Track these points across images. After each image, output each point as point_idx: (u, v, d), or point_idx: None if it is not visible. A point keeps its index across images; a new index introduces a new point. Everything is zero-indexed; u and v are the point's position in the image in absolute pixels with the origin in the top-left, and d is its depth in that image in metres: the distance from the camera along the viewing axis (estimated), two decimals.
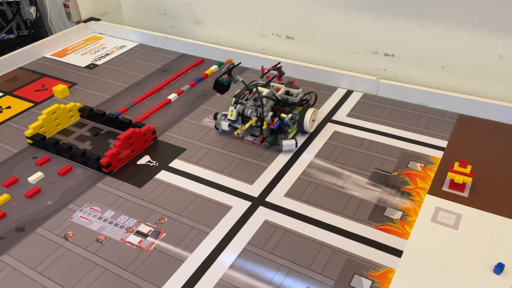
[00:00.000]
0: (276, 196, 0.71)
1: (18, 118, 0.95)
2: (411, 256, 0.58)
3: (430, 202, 0.68)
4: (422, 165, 0.76)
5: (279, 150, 0.81)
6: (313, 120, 0.86)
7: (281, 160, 0.79)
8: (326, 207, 0.68)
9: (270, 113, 0.83)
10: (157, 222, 0.67)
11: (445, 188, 0.71)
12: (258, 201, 0.70)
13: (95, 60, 1.19)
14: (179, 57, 1.19)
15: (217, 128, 0.87)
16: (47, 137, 0.85)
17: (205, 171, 0.78)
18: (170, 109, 0.97)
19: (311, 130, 0.86)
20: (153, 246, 0.63)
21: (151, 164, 0.80)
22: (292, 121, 0.84)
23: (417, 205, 0.68)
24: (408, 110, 0.92)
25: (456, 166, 0.71)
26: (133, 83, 1.07)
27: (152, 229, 0.66)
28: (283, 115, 0.83)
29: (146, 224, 0.67)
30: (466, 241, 0.61)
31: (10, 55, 1.17)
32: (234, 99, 0.88)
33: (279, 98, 0.86)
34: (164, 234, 0.65)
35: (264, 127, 0.81)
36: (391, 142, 0.83)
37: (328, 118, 0.91)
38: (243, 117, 0.85)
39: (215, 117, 0.88)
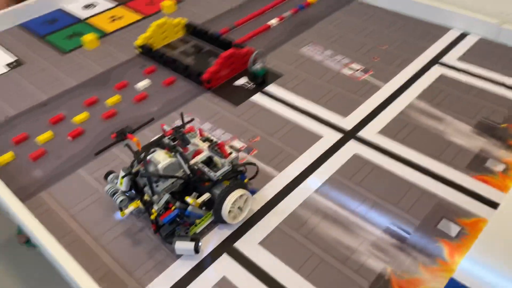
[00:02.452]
0: (369, 132, 0.70)
1: (129, 28, 1.02)
2: (508, 209, 0.55)
3: None
4: None
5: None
6: (239, 209, 0.56)
7: (379, 96, 0.77)
8: (422, 150, 0.66)
9: (166, 196, 0.54)
10: (250, 140, 0.70)
11: None
12: (350, 135, 0.70)
13: None
14: None
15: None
16: (154, 49, 0.90)
17: (299, 99, 0.78)
18: (270, 34, 0.96)
19: (235, 222, 0.57)
20: (244, 161, 0.67)
21: (248, 86, 0.82)
22: (204, 207, 0.55)
23: None
24: None
25: None
26: (237, 4, 1.08)
27: (245, 145, 0.69)
28: (188, 198, 0.54)
29: (239, 140, 0.70)
30: None
31: None
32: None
33: (189, 170, 0.55)
34: (256, 151, 0.68)
35: (152, 217, 0.53)
36: (504, 93, 0.76)
37: (436, 60, 0.85)
38: (136, 188, 0.57)
39: (105, 177, 0.61)
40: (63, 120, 0.76)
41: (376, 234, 0.55)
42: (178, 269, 0.53)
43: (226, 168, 0.56)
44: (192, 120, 0.65)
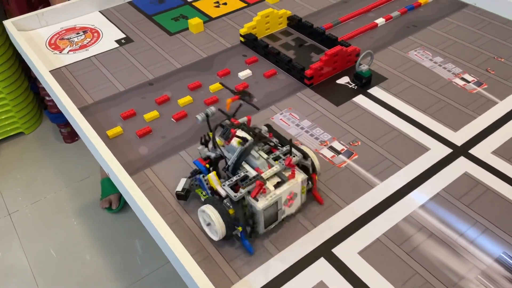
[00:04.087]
0: (482, 151, 0.65)
1: (232, 15, 1.03)
2: None
3: None
4: None
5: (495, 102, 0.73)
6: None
7: (494, 113, 0.72)
8: None
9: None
10: (351, 143, 0.69)
11: None
12: (460, 151, 0.66)
13: None
14: None
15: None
16: (257, 38, 0.91)
17: (405, 106, 0.74)
18: (376, 34, 0.93)
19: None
20: (344, 165, 0.65)
21: (350, 86, 0.80)
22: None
23: None
24: None
25: None
26: (341, 0, 1.05)
27: (345, 149, 0.68)
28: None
29: (340, 142, 0.69)
30: None
31: None
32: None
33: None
34: (356, 156, 0.66)
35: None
36: None
37: None
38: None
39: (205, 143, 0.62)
40: (168, 101, 0.79)
41: (487, 262, 0.52)
42: (274, 266, 0.53)
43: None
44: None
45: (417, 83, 0.79)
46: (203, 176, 0.58)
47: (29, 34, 1.00)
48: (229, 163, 0.56)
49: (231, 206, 0.53)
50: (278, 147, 0.59)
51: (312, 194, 0.60)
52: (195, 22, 0.96)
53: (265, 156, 0.57)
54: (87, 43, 0.95)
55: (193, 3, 1.08)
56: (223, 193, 0.54)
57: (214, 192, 0.56)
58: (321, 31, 0.90)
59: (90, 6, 1.05)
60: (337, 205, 0.59)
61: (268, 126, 0.62)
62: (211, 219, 0.53)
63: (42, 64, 0.85)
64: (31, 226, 1.46)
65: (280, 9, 1.03)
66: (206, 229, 0.56)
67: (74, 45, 0.95)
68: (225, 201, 0.54)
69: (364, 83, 0.79)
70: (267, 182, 0.54)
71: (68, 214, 1.49)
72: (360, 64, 0.78)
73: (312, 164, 0.58)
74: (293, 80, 0.82)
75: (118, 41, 0.96)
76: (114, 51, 0.93)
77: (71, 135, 1.67)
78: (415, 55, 0.86)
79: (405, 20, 0.96)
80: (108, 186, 1.51)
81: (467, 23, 0.94)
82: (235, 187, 0.54)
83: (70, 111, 0.74)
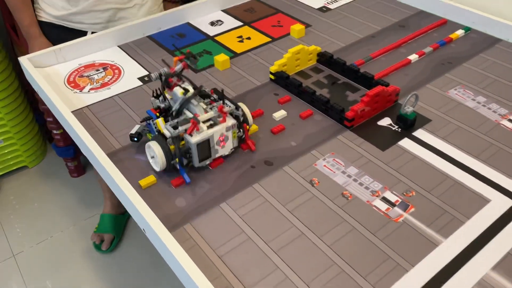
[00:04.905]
0: None
1: (257, 51, 0.99)
2: None
3: None
4: None
5: None
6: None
7: None
8: None
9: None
10: (404, 193, 0.64)
11: None
12: None
13: (327, 3, 1.16)
14: (418, 13, 1.09)
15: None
16: (288, 76, 0.87)
17: (455, 151, 0.70)
18: (410, 71, 0.90)
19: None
20: (401, 218, 0.60)
21: (393, 128, 0.76)
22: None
23: None
24: None
25: None
26: (368, 34, 1.02)
27: (400, 200, 0.63)
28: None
29: (392, 192, 0.64)
30: None
31: None
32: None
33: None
34: (413, 209, 0.62)
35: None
36: None
37: None
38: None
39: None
40: None
41: None
42: None
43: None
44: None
45: (463, 125, 0.75)
46: (152, 121, 0.71)
47: (46, 71, 0.95)
48: (173, 109, 0.69)
49: (172, 143, 0.66)
50: (216, 101, 0.71)
51: (245, 143, 0.72)
52: (221, 58, 0.93)
53: (204, 106, 0.69)
54: (109, 80, 0.91)
55: (216, 38, 1.04)
56: (167, 133, 0.66)
57: (161, 134, 0.68)
58: (356, 69, 0.86)
59: (109, 40, 1.01)
60: (402, 267, 0.54)
61: (215, 89, 0.74)
62: (155, 153, 0.66)
63: (64, 104, 0.80)
64: (37, 268, 1.38)
65: (305, 43, 1.00)
66: (151, 161, 0.70)
67: (95, 83, 0.90)
68: (168, 140, 0.66)
69: (408, 125, 0.75)
70: (202, 124, 0.67)
71: (76, 255, 1.42)
72: (405, 106, 0.74)
73: (244, 115, 0.71)
74: (332, 122, 0.78)
75: (141, 79, 0.91)
76: (138, 89, 0.88)
77: (78, 169, 1.61)
78: (456, 94, 0.82)
79: (439, 56, 0.93)
80: (108, 223, 1.44)
81: (503, 59, 0.91)
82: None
83: (99, 158, 0.68)
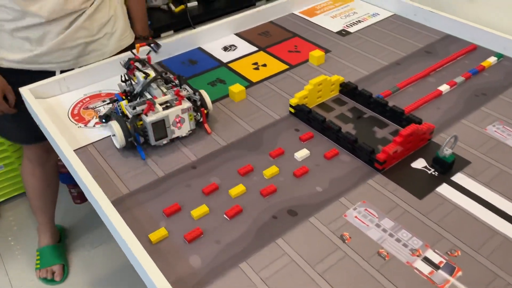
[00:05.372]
0: None
1: (275, 80, 0.92)
2: None
3: None
4: None
5: None
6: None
7: None
8: None
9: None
10: (449, 253, 0.56)
11: None
12: None
13: (346, 26, 1.10)
14: (444, 38, 1.02)
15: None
16: (309, 109, 0.80)
17: (500, 199, 0.63)
18: (442, 104, 0.83)
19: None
20: (448, 285, 0.53)
21: (429, 172, 0.68)
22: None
23: None
24: None
25: None
26: (393, 61, 0.95)
27: (444, 261, 0.55)
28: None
29: (435, 251, 0.57)
30: None
31: (262, 8, 1.14)
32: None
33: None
34: (460, 273, 0.54)
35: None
36: None
37: None
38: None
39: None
40: (217, 191, 0.67)
41: None
42: None
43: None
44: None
45: (507, 169, 0.68)
46: (118, 103, 0.77)
47: (49, 102, 0.88)
48: (135, 92, 0.76)
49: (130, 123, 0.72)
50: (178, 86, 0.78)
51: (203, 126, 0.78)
52: (237, 89, 0.86)
53: (164, 90, 0.75)
54: None
55: (229, 65, 0.98)
56: (129, 114, 0.73)
57: (125, 115, 0.75)
58: (383, 102, 0.79)
59: (116, 68, 0.94)
60: None
61: (179, 76, 0.79)
62: (114, 131, 0.72)
63: (66, 142, 0.73)
64: None
65: (325, 71, 0.93)
66: (113, 138, 0.76)
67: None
68: (130, 119, 0.72)
69: (446, 168, 0.68)
70: (158, 105, 0.72)
71: None
72: (443, 149, 0.67)
73: (202, 99, 0.77)
74: (360, 163, 0.71)
75: None
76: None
77: (82, 196, 1.54)
78: (495, 131, 0.75)
79: (471, 86, 0.86)
80: (50, 255, 1.36)
81: None
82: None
83: (103, 206, 0.62)
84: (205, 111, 0.78)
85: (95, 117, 0.83)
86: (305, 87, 0.82)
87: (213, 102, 0.86)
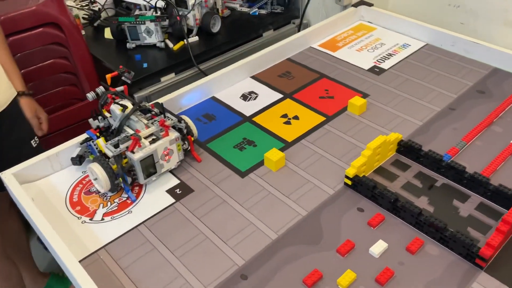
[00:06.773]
0: None
1: (313, 138, 0.77)
2: None
3: None
4: None
5: None
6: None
7: None
8: None
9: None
10: None
11: None
12: None
13: (377, 61, 0.96)
14: (493, 72, 0.90)
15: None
16: (364, 178, 0.65)
17: None
18: None
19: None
20: None
21: None
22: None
23: None
24: None
25: None
26: (445, 106, 0.82)
27: None
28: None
29: None
30: None
31: (277, 46, 0.98)
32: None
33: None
34: None
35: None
36: None
37: None
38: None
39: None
40: None
41: None
42: None
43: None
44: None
45: None
46: (93, 142, 0.69)
47: (38, 185, 0.70)
48: (113, 127, 0.68)
49: (115, 163, 0.64)
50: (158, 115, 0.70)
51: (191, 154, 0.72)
52: (275, 157, 0.70)
53: (145, 121, 0.68)
54: (127, 198, 0.67)
55: (254, 119, 0.82)
56: (109, 153, 0.64)
57: (103, 154, 0.67)
58: (460, 168, 0.65)
59: None
60: None
61: (155, 103, 0.74)
62: (97, 174, 0.64)
63: (68, 251, 0.55)
64: None
65: (371, 122, 0.79)
66: (95, 183, 0.67)
67: (109, 202, 0.66)
68: (111, 159, 0.64)
69: None
70: (144, 139, 0.65)
71: None
72: None
73: (188, 127, 0.71)
74: (454, 257, 0.56)
75: (170, 191, 0.67)
76: (170, 209, 0.65)
77: None
78: None
79: None
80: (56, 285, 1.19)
81: None
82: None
83: None
84: (192, 139, 0.72)
85: (101, 204, 0.66)
86: (362, 152, 0.67)
87: (245, 172, 0.70)
